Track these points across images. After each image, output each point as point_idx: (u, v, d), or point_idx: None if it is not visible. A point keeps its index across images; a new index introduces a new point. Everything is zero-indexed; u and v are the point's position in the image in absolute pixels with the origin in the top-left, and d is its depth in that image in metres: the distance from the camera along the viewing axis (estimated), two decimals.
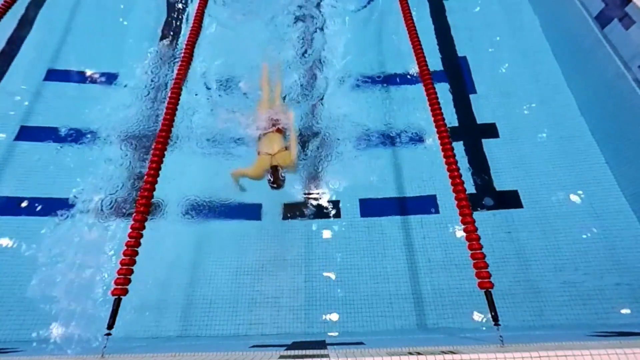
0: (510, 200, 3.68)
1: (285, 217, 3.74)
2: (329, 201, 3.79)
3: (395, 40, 4.97)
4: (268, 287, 3.35)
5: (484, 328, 3.01)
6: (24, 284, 3.16)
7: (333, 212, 3.74)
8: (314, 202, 3.78)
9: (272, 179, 3.40)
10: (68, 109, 4.37)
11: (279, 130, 3.77)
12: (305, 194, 3.85)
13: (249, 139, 3.95)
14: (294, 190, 3.85)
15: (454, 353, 1.80)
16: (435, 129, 3.28)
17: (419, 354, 1.84)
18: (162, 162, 3.04)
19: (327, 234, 3.62)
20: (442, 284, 3.27)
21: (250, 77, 4.46)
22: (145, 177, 2.93)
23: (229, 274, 3.41)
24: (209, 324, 3.17)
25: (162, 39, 5.18)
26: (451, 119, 4.19)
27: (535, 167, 3.84)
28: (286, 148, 3.58)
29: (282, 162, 3.49)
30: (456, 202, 2.76)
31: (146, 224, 2.72)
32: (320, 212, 3.74)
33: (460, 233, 2.63)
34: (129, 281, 2.43)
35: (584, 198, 3.60)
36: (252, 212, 3.77)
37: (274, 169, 3.43)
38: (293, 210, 3.76)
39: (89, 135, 4.14)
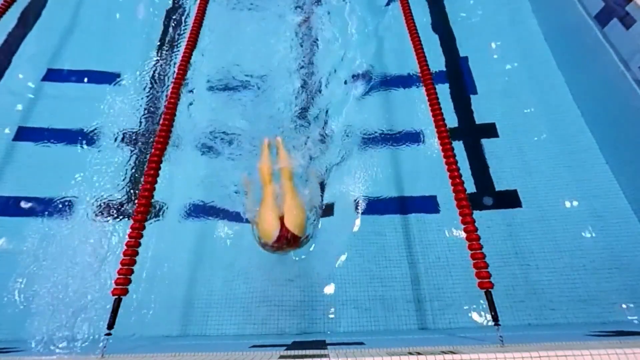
0: (510, 199, 3.68)
1: None
2: (328, 201, 3.79)
3: (395, 40, 4.96)
4: (268, 287, 3.34)
5: (484, 328, 3.01)
6: (24, 284, 3.16)
7: (333, 211, 3.73)
8: (314, 202, 3.77)
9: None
10: (68, 109, 4.36)
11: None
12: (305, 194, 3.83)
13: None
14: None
15: (454, 353, 1.80)
16: (435, 129, 3.27)
17: (419, 354, 1.84)
18: (161, 162, 3.03)
19: (326, 233, 3.60)
20: (442, 283, 3.27)
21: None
22: (145, 177, 2.92)
23: (229, 274, 3.41)
24: (209, 324, 3.16)
25: (162, 38, 5.17)
26: (451, 119, 4.19)
27: (535, 167, 3.84)
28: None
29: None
30: (456, 201, 2.76)
31: (146, 224, 2.71)
32: (319, 212, 3.73)
33: (460, 233, 2.62)
34: (130, 281, 2.43)
35: (584, 198, 3.59)
36: None
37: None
38: None
39: (88, 136, 4.12)
